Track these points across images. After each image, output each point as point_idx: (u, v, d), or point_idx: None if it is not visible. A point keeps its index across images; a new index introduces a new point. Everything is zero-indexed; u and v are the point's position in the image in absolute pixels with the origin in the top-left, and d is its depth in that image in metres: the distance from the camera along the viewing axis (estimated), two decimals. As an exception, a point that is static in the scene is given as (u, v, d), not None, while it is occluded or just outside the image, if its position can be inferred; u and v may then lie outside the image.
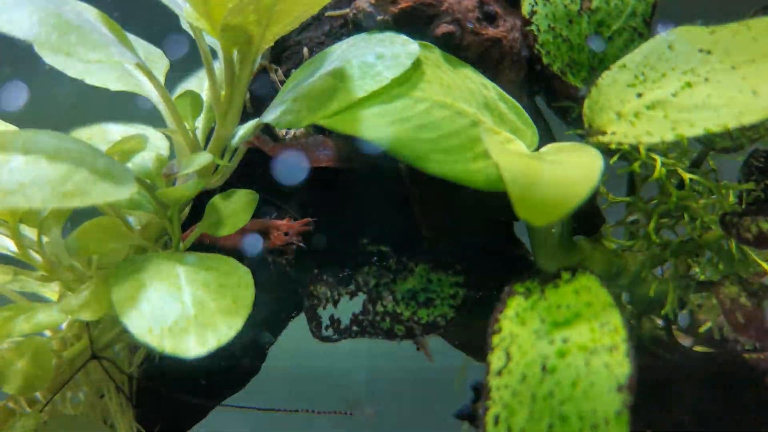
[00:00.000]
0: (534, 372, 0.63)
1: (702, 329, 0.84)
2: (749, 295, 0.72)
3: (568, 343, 0.63)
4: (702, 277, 0.81)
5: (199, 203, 0.85)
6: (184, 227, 0.86)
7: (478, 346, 0.87)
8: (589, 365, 0.61)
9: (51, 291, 0.97)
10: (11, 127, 0.87)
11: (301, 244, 0.80)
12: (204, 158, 0.78)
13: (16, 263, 0.88)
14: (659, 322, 0.89)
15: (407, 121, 0.72)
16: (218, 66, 0.84)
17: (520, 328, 0.66)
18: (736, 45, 0.72)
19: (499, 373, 0.64)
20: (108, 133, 0.98)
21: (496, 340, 0.66)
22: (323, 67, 0.77)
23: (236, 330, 0.69)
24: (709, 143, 0.82)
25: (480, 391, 1.12)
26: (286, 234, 0.81)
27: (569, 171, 0.66)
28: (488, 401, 0.62)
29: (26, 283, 0.93)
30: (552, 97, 0.86)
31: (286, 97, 0.77)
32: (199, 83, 0.97)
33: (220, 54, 0.83)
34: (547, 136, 0.85)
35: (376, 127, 0.71)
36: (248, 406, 0.92)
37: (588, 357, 0.62)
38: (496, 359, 0.65)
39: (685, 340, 0.90)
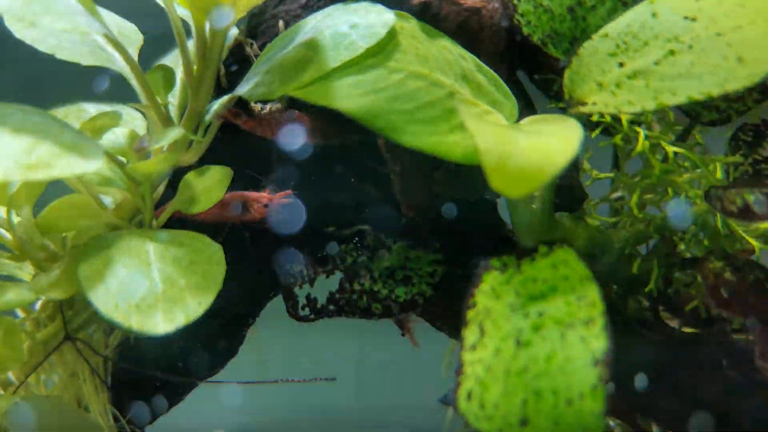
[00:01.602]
0: (508, 346, 0.61)
1: (688, 308, 0.82)
2: (734, 269, 0.70)
3: (543, 317, 0.61)
4: (687, 254, 0.79)
5: (175, 181, 0.83)
6: (160, 205, 0.85)
7: (458, 326, 0.85)
8: (565, 339, 0.59)
9: (27, 274, 0.96)
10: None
11: (280, 216, 0.78)
12: (175, 132, 0.76)
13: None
14: (646, 302, 0.87)
15: (381, 91, 0.70)
16: (191, 41, 0.82)
17: (495, 302, 0.64)
18: (722, 11, 0.70)
19: (473, 347, 0.62)
20: (84, 112, 0.96)
21: (470, 314, 0.64)
22: (297, 39, 0.75)
23: (206, 306, 0.68)
24: (695, 116, 0.80)
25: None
26: (266, 206, 0.79)
27: (547, 140, 0.64)
28: (461, 376, 0.61)
29: (2, 266, 0.92)
30: (533, 70, 0.84)
31: (259, 70, 0.75)
32: (176, 60, 0.95)
33: (193, 28, 0.81)
34: (528, 109, 0.83)
35: (349, 98, 0.69)
36: (226, 381, 0.90)
37: (564, 331, 0.60)
38: (470, 334, 0.63)
39: (673, 321, 0.88)
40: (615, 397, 0.66)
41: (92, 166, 0.67)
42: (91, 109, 1.00)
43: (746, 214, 0.68)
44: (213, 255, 0.72)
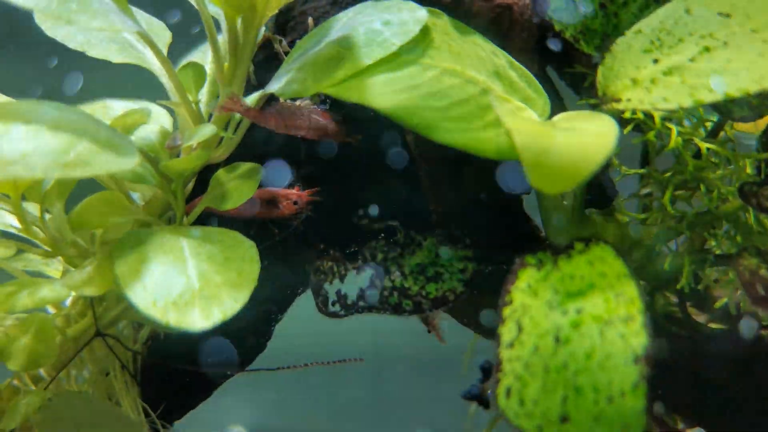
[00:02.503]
0: (547, 343, 0.61)
1: (718, 305, 0.82)
2: (769, 266, 0.70)
3: (582, 314, 0.61)
4: (718, 251, 0.79)
5: (204, 177, 0.84)
6: (189, 202, 0.85)
7: (485, 323, 0.86)
8: (604, 336, 0.60)
9: (55, 270, 0.96)
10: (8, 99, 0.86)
11: (310, 212, 0.79)
12: (208, 130, 0.77)
13: (19, 240, 0.86)
14: (673, 299, 0.87)
15: (415, 88, 0.70)
16: (222, 38, 0.82)
17: (532, 299, 0.64)
18: (756, 7, 0.70)
19: (511, 345, 0.62)
20: (110, 109, 0.96)
21: (507, 311, 0.65)
22: (329, 36, 0.75)
23: (241, 303, 0.68)
24: (726, 113, 0.79)
25: (488, 371, 1.10)
26: (296, 203, 0.79)
27: (583, 138, 0.64)
28: (499, 373, 0.61)
29: (30, 262, 0.92)
30: (564, 66, 0.83)
31: (291, 67, 0.75)
32: (202, 56, 0.95)
33: (224, 24, 0.81)
34: (558, 106, 0.83)
35: (383, 95, 0.69)
36: (256, 368, 0.90)
37: (603, 328, 0.60)
38: (507, 331, 0.63)
39: (700, 317, 0.88)
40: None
41: (128, 163, 0.67)
42: (116, 105, 1.01)
43: (782, 210, 0.67)
44: (247, 252, 0.73)
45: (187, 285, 0.68)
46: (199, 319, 0.66)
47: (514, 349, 0.62)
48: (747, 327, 0.81)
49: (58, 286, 0.77)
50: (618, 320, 0.60)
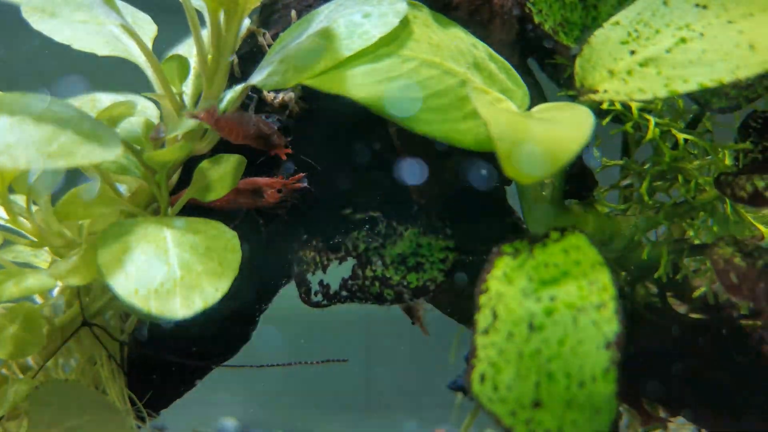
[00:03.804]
0: (521, 330, 0.62)
1: (696, 294, 0.83)
2: (744, 255, 0.71)
3: (555, 301, 0.62)
4: (696, 241, 0.80)
5: (189, 169, 0.85)
6: (174, 193, 0.86)
7: (469, 313, 0.86)
8: (577, 323, 0.60)
9: (43, 262, 0.97)
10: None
11: (295, 201, 0.80)
12: (191, 121, 0.77)
13: (7, 232, 0.87)
14: (654, 289, 0.88)
15: (394, 80, 0.71)
16: (205, 31, 0.83)
17: (507, 287, 0.65)
18: (732, -1, 0.70)
19: (486, 331, 0.63)
20: (98, 102, 0.97)
21: (483, 299, 0.65)
22: (310, 28, 0.76)
23: (223, 292, 0.69)
24: (705, 103, 0.80)
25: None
26: (280, 191, 0.80)
27: (559, 127, 0.64)
28: (474, 359, 0.62)
29: (19, 254, 0.93)
30: (546, 58, 0.84)
31: (273, 59, 0.76)
32: (188, 50, 0.96)
33: (207, 17, 0.82)
34: (538, 98, 0.84)
35: (362, 86, 0.70)
36: (240, 365, 0.91)
37: (576, 314, 0.61)
38: (482, 318, 0.64)
39: (681, 308, 0.89)
40: (623, 381, 0.67)
41: (111, 154, 0.68)
42: (105, 98, 1.01)
43: (756, 200, 0.68)
44: (229, 242, 0.74)
45: (168, 274, 0.69)
46: (180, 308, 0.67)
47: (489, 336, 0.63)
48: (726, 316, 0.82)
49: (43, 276, 0.78)
50: (591, 307, 0.61)
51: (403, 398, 1.48)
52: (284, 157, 0.78)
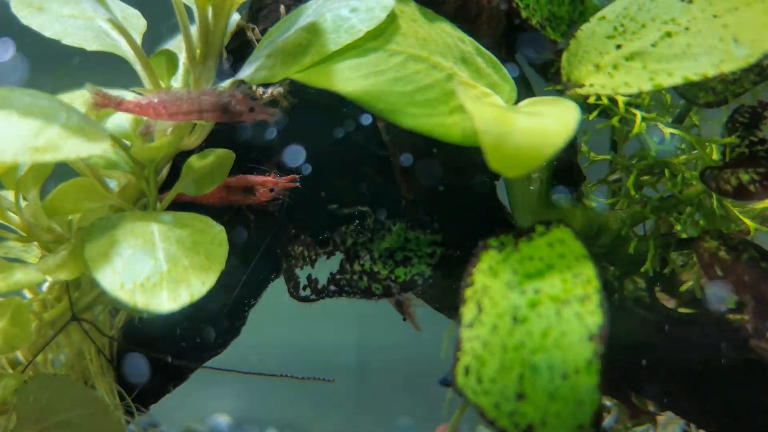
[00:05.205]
0: (505, 323, 0.62)
1: (683, 288, 0.83)
2: (729, 249, 0.71)
3: (539, 294, 0.62)
4: (684, 235, 0.80)
5: (179, 165, 0.85)
6: (165, 189, 0.86)
7: (457, 308, 0.86)
8: (561, 315, 0.61)
9: (34, 257, 0.97)
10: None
11: (287, 199, 0.80)
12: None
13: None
14: (642, 283, 0.88)
15: (381, 74, 0.71)
16: (194, 26, 0.83)
17: (492, 280, 0.65)
18: (718, -7, 0.70)
19: (471, 324, 0.63)
20: (87, 97, 0.97)
21: (468, 293, 0.66)
22: (298, 23, 0.76)
23: (209, 286, 0.69)
24: (692, 98, 0.80)
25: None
26: (272, 190, 0.80)
27: (544, 122, 0.64)
28: (459, 352, 0.62)
29: (10, 249, 0.94)
30: (532, 52, 0.84)
31: (261, 54, 0.76)
32: (178, 45, 0.96)
33: (196, 13, 0.82)
34: (526, 92, 0.84)
35: (349, 81, 0.70)
36: (229, 369, 0.92)
37: (559, 307, 0.61)
38: (467, 311, 0.64)
39: (669, 302, 0.89)
40: (611, 376, 0.67)
41: (98, 148, 0.68)
42: (96, 94, 1.01)
43: (741, 193, 0.68)
44: (216, 236, 0.74)
45: (155, 267, 0.69)
46: (166, 301, 0.67)
47: (474, 329, 0.63)
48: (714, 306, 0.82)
49: (31, 271, 0.78)
50: (575, 300, 0.61)
51: (397, 394, 1.48)
52: (264, 117, 0.74)
